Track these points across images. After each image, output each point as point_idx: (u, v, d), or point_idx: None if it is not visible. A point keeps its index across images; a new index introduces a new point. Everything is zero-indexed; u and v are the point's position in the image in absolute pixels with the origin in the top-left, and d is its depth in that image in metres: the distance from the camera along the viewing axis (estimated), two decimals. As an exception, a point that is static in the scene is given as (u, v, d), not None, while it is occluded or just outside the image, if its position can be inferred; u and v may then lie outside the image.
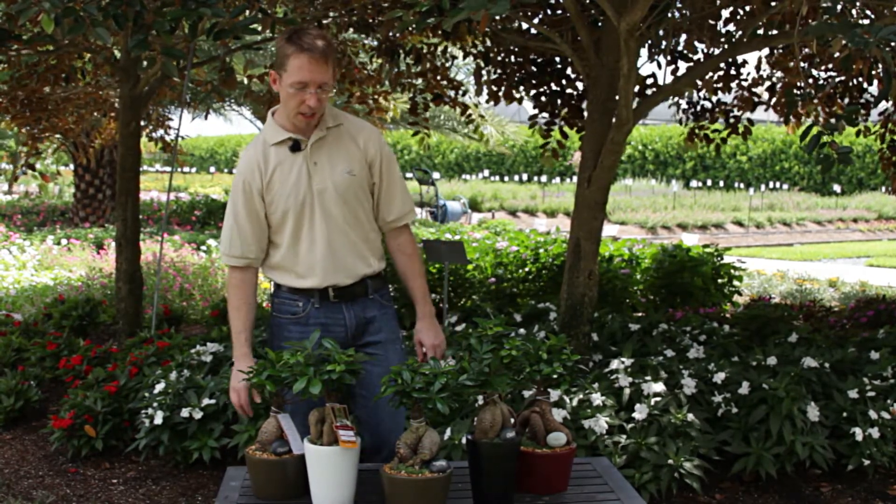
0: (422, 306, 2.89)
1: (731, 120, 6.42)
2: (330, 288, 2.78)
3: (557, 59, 5.88)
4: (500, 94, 5.94)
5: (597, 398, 4.04)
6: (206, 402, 4.22)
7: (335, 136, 2.78)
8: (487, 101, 5.98)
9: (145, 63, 5.72)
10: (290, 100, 2.66)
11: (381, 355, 2.81)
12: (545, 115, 6.06)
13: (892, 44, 2.91)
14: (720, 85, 6.21)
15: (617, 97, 4.48)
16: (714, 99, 6.45)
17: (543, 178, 27.97)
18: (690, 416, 4.01)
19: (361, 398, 2.80)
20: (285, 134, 2.74)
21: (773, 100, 6.36)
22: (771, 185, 27.83)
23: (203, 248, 11.29)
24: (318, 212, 2.74)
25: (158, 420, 4.17)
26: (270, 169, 2.73)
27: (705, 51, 5.65)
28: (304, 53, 2.59)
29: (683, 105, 6.56)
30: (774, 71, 6.21)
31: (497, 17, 5.17)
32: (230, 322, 2.80)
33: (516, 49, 5.85)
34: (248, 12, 3.89)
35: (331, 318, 2.80)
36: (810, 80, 5.99)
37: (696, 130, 6.50)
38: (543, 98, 5.99)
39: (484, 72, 5.92)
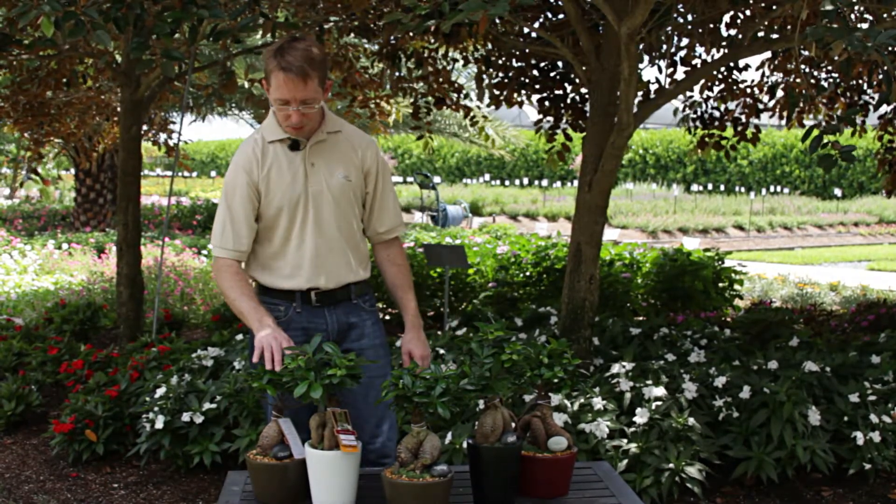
0: (411, 318, 2.86)
1: (739, 127, 6.42)
2: (312, 291, 2.77)
3: (560, 63, 5.89)
4: (502, 98, 5.94)
5: (598, 402, 4.04)
6: (207, 406, 4.22)
7: (334, 141, 2.79)
8: (489, 105, 5.98)
9: (143, 65, 5.73)
10: (277, 112, 2.68)
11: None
12: (549, 118, 6.06)
13: (892, 48, 2.92)
14: (726, 93, 6.21)
15: (618, 101, 4.49)
16: (722, 107, 6.46)
17: (544, 183, 27.94)
18: (691, 421, 4.01)
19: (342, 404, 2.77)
20: (284, 133, 2.73)
21: (774, 101, 6.37)
22: (772, 188, 27.76)
23: (204, 252, 11.31)
24: (311, 213, 2.73)
25: (159, 424, 4.16)
26: (267, 164, 2.72)
27: (705, 55, 5.66)
28: (281, 72, 2.58)
29: (692, 115, 6.55)
30: (775, 74, 6.22)
31: (497, 21, 5.18)
32: (236, 303, 2.66)
33: (517, 54, 5.86)
34: (247, 13, 3.90)
35: (313, 322, 2.79)
36: (812, 82, 6.00)
37: (707, 138, 6.49)
38: (547, 103, 5.99)
39: (485, 76, 5.93)
